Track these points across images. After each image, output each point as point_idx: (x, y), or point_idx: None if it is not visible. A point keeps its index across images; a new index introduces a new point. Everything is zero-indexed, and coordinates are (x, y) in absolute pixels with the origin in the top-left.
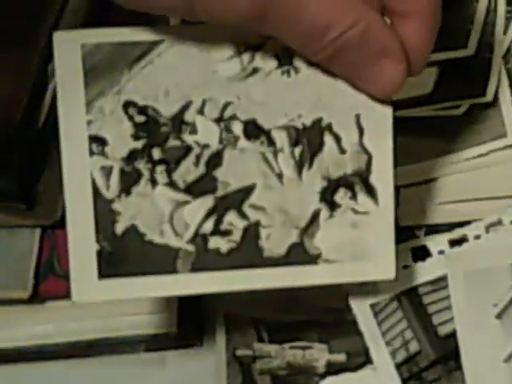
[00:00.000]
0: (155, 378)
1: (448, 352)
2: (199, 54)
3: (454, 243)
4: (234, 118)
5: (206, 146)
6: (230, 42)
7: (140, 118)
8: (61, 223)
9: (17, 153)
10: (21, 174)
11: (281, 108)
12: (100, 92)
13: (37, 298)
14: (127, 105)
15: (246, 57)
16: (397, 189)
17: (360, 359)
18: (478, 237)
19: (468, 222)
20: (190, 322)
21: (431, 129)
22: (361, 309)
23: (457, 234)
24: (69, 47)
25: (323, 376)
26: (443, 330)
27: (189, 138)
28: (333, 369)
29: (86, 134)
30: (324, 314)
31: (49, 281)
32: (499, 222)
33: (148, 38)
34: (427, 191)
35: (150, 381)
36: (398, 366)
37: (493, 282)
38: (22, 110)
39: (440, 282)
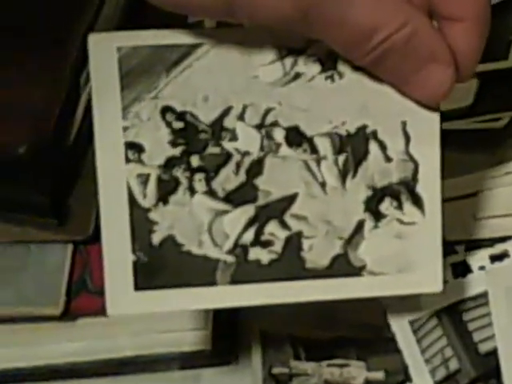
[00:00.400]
0: None
1: (489, 370)
2: (240, 57)
3: (495, 259)
4: (275, 124)
5: (246, 154)
6: (272, 45)
7: (178, 124)
8: (93, 238)
9: (49, 166)
10: (53, 189)
11: (324, 114)
12: (137, 97)
13: (68, 314)
14: (165, 110)
15: (288, 61)
16: None
17: (399, 377)
18: None
19: (509, 237)
20: (225, 339)
21: (472, 142)
22: (400, 325)
23: (498, 249)
24: (104, 50)
25: None
26: (484, 348)
27: (229, 145)
28: None
29: (122, 140)
30: (362, 330)
31: (81, 297)
32: None
33: (187, 41)
34: (467, 206)
35: None
36: None
37: None
38: (54, 123)
39: (481, 299)
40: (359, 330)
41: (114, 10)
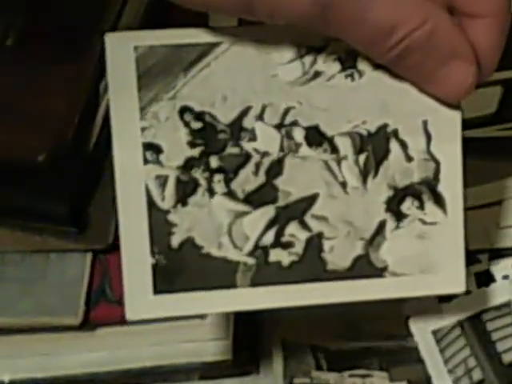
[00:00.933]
0: None
1: None
2: (258, 56)
3: None
4: (295, 124)
5: (265, 154)
6: (291, 44)
7: (197, 125)
8: (113, 247)
9: (68, 175)
10: (72, 197)
11: (344, 113)
12: (154, 97)
13: (88, 324)
14: (183, 110)
15: (307, 60)
16: None
17: None
18: None
19: None
20: (246, 349)
21: (495, 150)
22: (422, 335)
23: None
24: (122, 49)
25: None
26: (507, 358)
27: (248, 146)
28: None
29: (140, 141)
30: (384, 340)
31: (100, 307)
32: None
33: (205, 40)
34: (491, 214)
35: None
36: None
37: None
38: (73, 131)
39: (504, 308)
40: (382, 339)
41: (134, 19)
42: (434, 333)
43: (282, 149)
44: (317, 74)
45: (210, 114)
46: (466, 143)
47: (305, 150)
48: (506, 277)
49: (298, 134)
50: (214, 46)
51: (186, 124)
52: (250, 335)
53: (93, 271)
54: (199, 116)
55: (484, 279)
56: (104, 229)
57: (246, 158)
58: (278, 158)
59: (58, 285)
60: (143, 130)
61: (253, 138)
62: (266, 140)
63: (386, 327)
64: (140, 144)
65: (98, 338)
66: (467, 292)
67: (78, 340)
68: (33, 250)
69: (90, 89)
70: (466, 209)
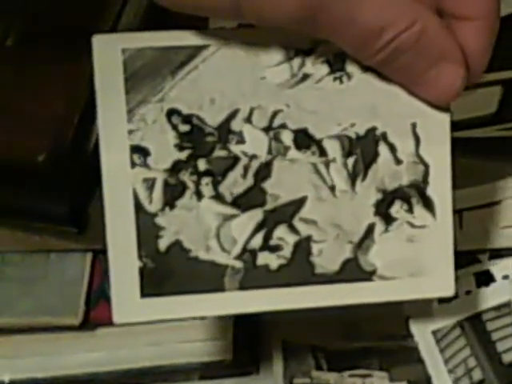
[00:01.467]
0: None
1: None
2: (247, 59)
3: None
4: (283, 126)
5: (254, 157)
6: (279, 46)
7: (184, 128)
8: None
9: (68, 175)
10: (72, 197)
11: (333, 116)
12: (142, 100)
13: (88, 324)
14: (171, 113)
15: (295, 62)
16: (459, 212)
17: None
18: None
19: None
20: (245, 349)
21: (495, 150)
22: (422, 335)
23: None
24: (109, 51)
25: None
26: (507, 358)
27: (236, 148)
28: None
29: (128, 143)
30: (384, 340)
31: (100, 306)
32: None
33: (192, 43)
34: (491, 214)
35: None
36: None
37: None
38: (73, 132)
39: (504, 308)
40: (382, 340)
41: (134, 19)
42: (434, 333)
43: (270, 152)
44: (305, 77)
45: (198, 116)
46: (467, 143)
47: (293, 152)
48: (505, 277)
49: (287, 137)
50: (201, 48)
51: (174, 127)
52: (250, 335)
53: (93, 271)
54: (187, 119)
55: (484, 279)
56: (104, 229)
57: (234, 160)
58: (267, 161)
59: (57, 285)
60: (130, 132)
61: (241, 141)
62: (254, 143)
63: (385, 327)
64: (128, 147)
65: (98, 338)
66: (467, 292)
67: (77, 340)
68: (33, 250)
69: (90, 89)
70: (467, 209)
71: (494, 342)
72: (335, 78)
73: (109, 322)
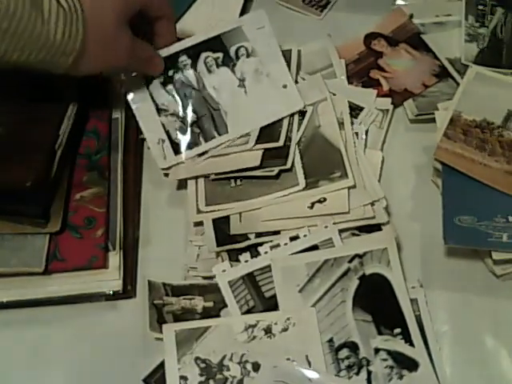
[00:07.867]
0: (111, 317)
1: (271, 307)
2: None
3: (274, 247)
4: None
5: None
6: None
7: None
8: (60, 231)
9: (43, 191)
10: (44, 204)
11: None
12: None
13: (47, 271)
14: None
15: None
16: None
17: (221, 305)
18: (286, 244)
19: (278, 232)
20: (131, 285)
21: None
22: (224, 282)
23: (276, 240)
24: None
25: (201, 314)
26: (268, 294)
27: None
28: (206, 311)
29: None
30: (203, 280)
31: (53, 262)
32: (298, 236)
33: None
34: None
35: (107, 323)
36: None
37: (295, 272)
38: (43, 170)
39: (266, 269)
40: (202, 279)
41: None
42: (229, 282)
43: None
44: None
45: None
46: None
47: None
48: (266, 252)
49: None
50: None
51: None
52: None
53: (50, 244)
54: None
55: (254, 252)
56: (56, 221)
57: None
58: None
59: (30, 249)
60: None
61: None
62: None
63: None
64: None
65: (53, 280)
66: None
67: (41, 281)
68: (16, 233)
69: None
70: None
71: (261, 286)
72: None
73: (59, 271)
